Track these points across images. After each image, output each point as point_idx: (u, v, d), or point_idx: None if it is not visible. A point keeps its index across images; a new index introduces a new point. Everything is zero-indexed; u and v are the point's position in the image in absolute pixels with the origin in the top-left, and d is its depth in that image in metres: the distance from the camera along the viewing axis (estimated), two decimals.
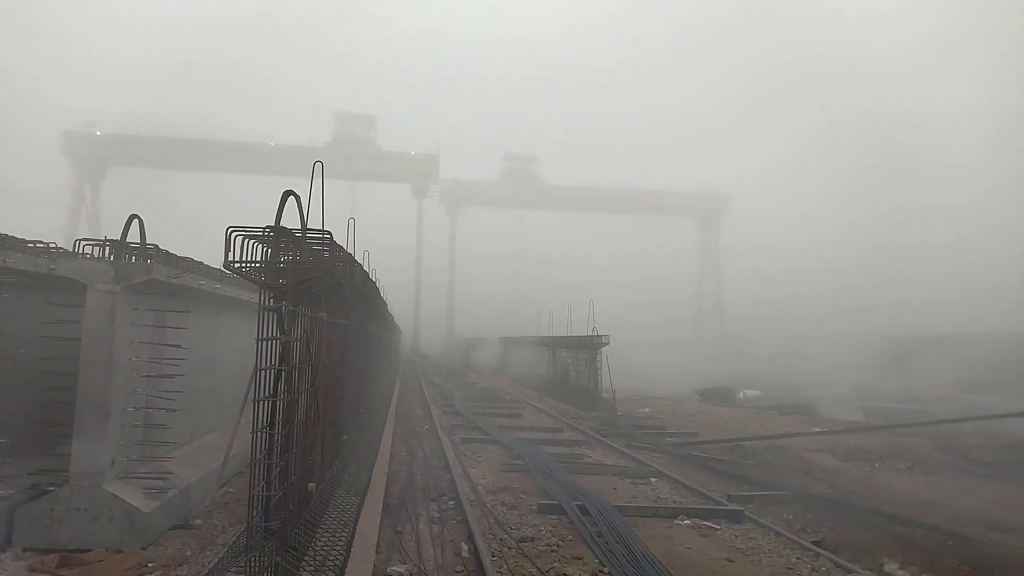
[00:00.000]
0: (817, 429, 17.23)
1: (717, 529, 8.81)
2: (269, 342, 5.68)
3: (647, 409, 22.62)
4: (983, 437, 16.15)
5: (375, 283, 13.38)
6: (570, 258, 68.35)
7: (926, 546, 8.06)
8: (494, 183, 69.49)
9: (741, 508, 9.43)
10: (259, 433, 5.43)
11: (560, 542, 8.04)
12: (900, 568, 7.50)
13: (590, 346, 23.52)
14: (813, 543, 8.20)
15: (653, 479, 11.86)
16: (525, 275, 69.42)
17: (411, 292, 62.29)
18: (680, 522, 9.12)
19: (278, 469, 5.82)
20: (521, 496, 10.22)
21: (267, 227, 5.75)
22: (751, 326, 55.45)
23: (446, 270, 66.22)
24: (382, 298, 17.60)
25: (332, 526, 7.36)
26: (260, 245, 5.81)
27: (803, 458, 13.98)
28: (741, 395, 27.28)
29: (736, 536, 8.54)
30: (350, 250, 9.39)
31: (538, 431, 17.43)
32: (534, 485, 10.88)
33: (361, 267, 9.57)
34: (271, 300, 5.77)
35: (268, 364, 5.65)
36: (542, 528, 8.56)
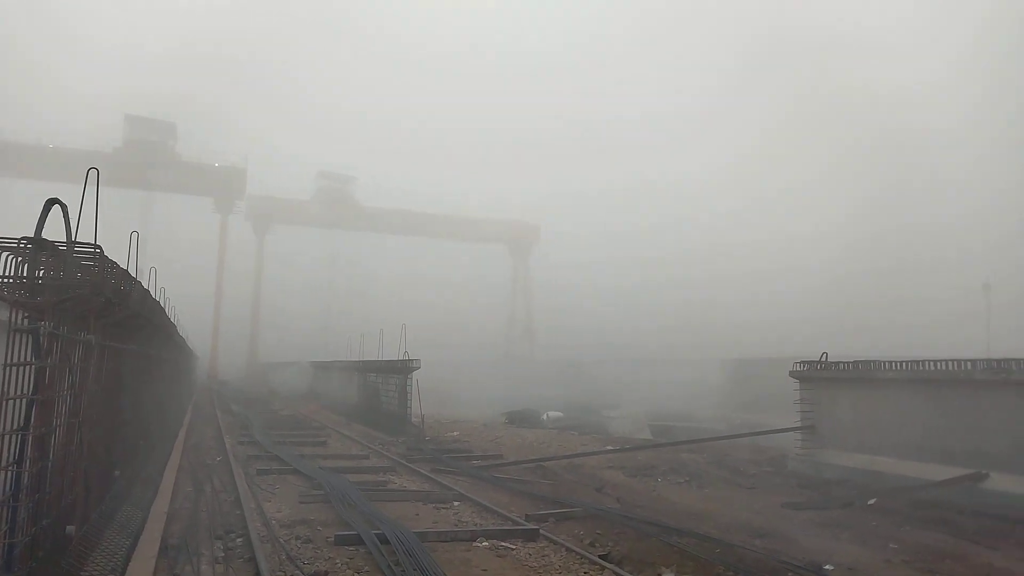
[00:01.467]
0: (610, 447, 18.31)
1: (513, 549, 9.02)
2: (21, 368, 5.03)
3: (456, 433, 22.79)
4: (750, 451, 18.05)
5: (160, 303, 12.35)
6: (385, 281, 67.63)
7: (698, 554, 8.77)
8: (307, 202, 67.28)
9: (536, 527, 9.74)
10: (2, 471, 4.78)
11: (356, 574, 7.83)
12: None
13: (401, 370, 23.34)
14: (600, 557, 8.64)
15: (456, 503, 11.92)
16: (338, 298, 67.61)
17: (210, 314, 58.31)
18: (479, 544, 9.22)
19: (26, 512, 5.15)
20: (318, 528, 9.83)
21: (23, 238, 5.13)
22: (559, 350, 58.01)
23: (251, 291, 62.76)
24: (170, 320, 16.28)
25: (96, 572, 6.62)
26: (15, 259, 5.17)
27: (596, 475, 14.78)
28: (545, 417, 28.35)
29: (530, 555, 8.79)
30: (134, 266, 8.62)
31: (343, 459, 16.94)
32: (334, 516, 10.52)
33: (141, 285, 8.79)
34: (25, 320, 5.13)
35: (19, 393, 5.00)
36: (338, 561, 8.28)
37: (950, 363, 13.30)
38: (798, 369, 16.53)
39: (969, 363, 13.02)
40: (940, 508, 11.52)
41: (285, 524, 10.02)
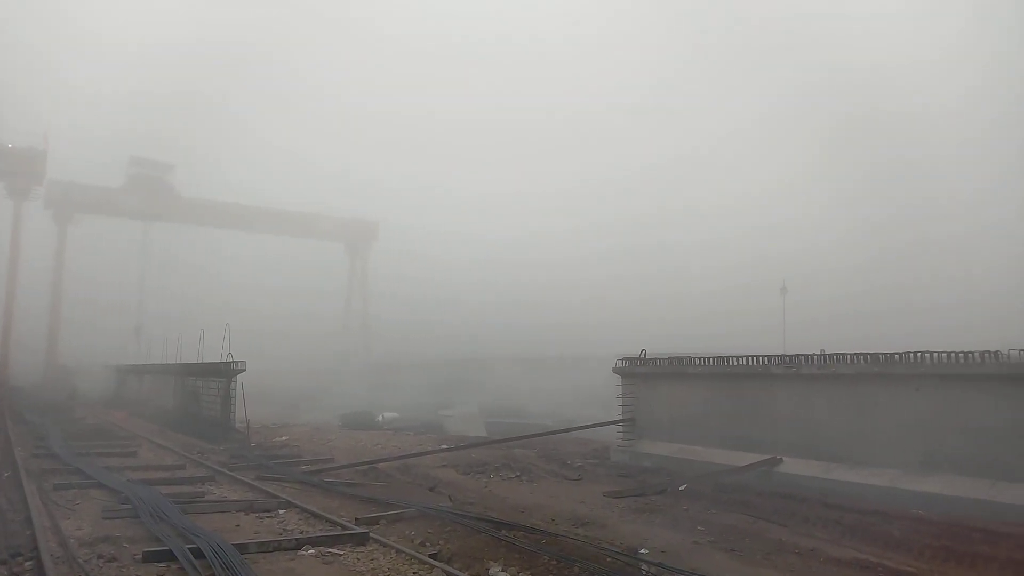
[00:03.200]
0: (445, 446, 18.41)
1: (341, 555, 8.81)
2: None
3: (284, 438, 21.90)
4: (577, 445, 18.88)
5: None
6: (209, 279, 63.26)
7: (525, 547, 9.02)
8: (119, 190, 61.47)
9: (366, 530, 9.59)
10: None
11: None
12: (503, 570, 8.26)
13: (224, 373, 22.03)
14: (430, 556, 8.65)
15: (282, 511, 11.46)
16: (154, 296, 62.35)
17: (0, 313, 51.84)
18: (305, 552, 8.93)
19: None
20: (124, 545, 9.05)
21: None
22: (398, 349, 57.24)
23: (50, 287, 56.36)
24: None
25: None
26: None
27: (430, 474, 14.81)
28: (380, 418, 27.98)
29: (359, 559, 8.63)
30: None
31: (155, 470, 15.73)
32: (143, 531, 9.73)
33: None
34: None
35: None
36: None
37: (749, 359, 14.67)
38: (619, 366, 17.51)
39: (766, 358, 14.43)
40: (742, 491, 12.67)
41: (85, 543, 9.12)
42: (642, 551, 9.14)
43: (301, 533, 9.86)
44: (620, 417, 17.25)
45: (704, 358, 15.94)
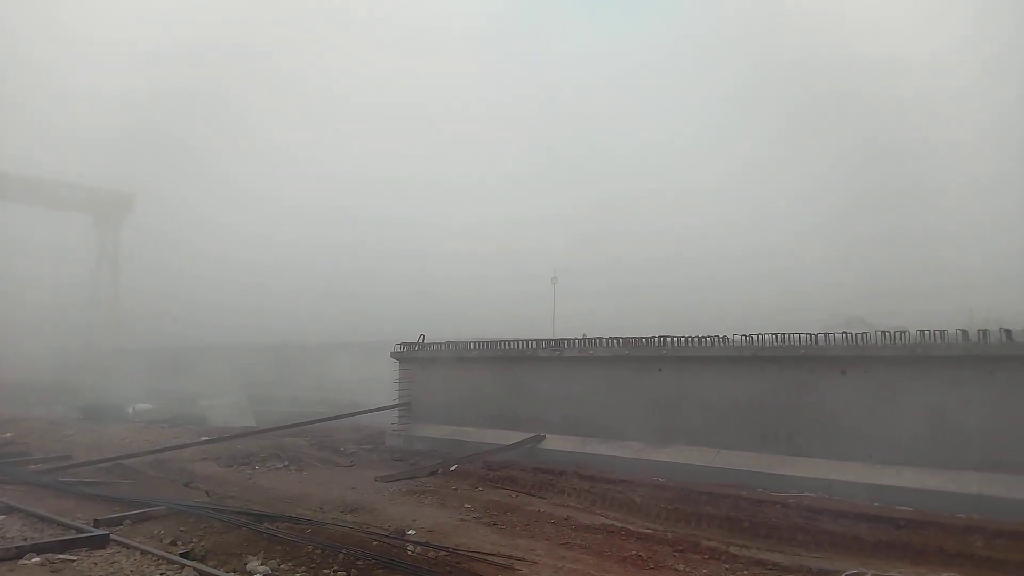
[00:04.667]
0: (205, 438, 17.22)
1: (74, 560, 7.92)
2: None
3: (9, 434, 19.10)
4: (352, 431, 18.62)
5: None
6: None
7: (288, 538, 8.72)
8: None
9: (106, 532, 8.69)
10: None
11: None
12: (262, 564, 7.91)
13: None
14: (181, 555, 8.06)
15: (2, 516, 10.02)
16: None
17: None
18: (27, 561, 7.89)
19: None
20: None
21: None
22: (153, 336, 52.24)
23: None
24: None
25: None
26: None
27: (187, 469, 13.80)
28: (131, 410, 25.45)
29: (96, 564, 7.82)
30: None
31: None
32: None
33: None
34: None
35: None
36: None
37: (520, 343, 15.41)
38: (398, 351, 17.53)
39: (534, 342, 15.24)
40: (508, 468, 13.28)
41: None
42: (410, 532, 9.25)
43: (24, 540, 8.70)
44: (396, 402, 17.27)
45: (480, 343, 16.47)
